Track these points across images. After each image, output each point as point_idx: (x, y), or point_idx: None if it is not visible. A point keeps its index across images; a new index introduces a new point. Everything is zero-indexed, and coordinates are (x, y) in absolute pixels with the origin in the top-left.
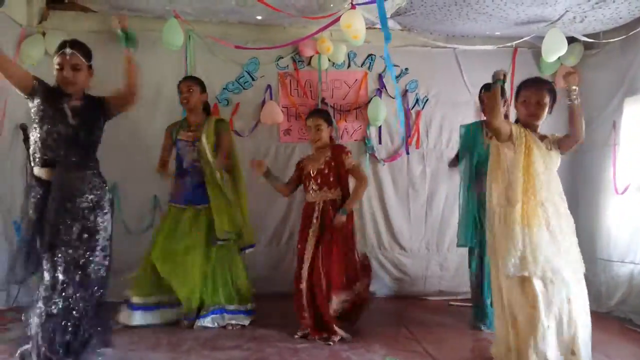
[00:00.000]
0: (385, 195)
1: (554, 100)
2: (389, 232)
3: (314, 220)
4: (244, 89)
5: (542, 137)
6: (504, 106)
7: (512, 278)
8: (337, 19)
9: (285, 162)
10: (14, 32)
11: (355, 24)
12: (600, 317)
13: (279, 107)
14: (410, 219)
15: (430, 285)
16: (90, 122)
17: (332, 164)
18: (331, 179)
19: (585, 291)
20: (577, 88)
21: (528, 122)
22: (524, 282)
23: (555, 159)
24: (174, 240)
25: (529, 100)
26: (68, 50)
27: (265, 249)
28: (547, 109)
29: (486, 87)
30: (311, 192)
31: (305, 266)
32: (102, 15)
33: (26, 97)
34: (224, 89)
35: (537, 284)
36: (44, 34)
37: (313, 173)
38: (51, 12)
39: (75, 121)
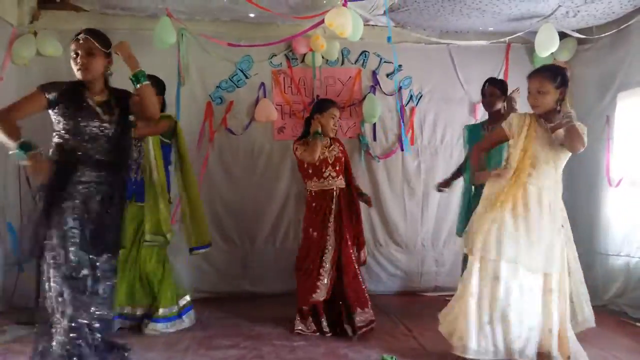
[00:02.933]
0: (380, 192)
1: (562, 84)
2: (384, 229)
3: (333, 207)
4: (237, 87)
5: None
6: (502, 101)
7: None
8: None
9: (280, 160)
10: (5, 32)
11: (338, 21)
12: (596, 310)
13: (273, 104)
14: (406, 215)
15: (426, 281)
16: (122, 119)
17: (345, 155)
18: (343, 168)
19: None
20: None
21: (538, 112)
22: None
23: (562, 156)
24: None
25: (530, 90)
26: (82, 36)
27: (261, 249)
28: (550, 96)
29: (490, 81)
30: (328, 178)
31: (329, 253)
32: (94, 15)
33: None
34: (217, 87)
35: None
36: (35, 33)
37: (331, 160)
38: (42, 12)
39: (107, 118)
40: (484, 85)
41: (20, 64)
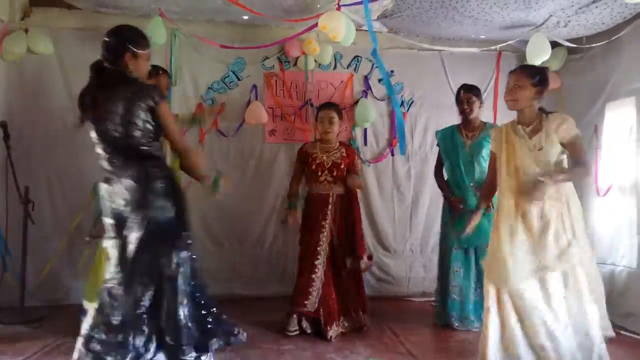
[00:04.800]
0: (370, 197)
1: (540, 83)
2: (373, 233)
3: (328, 212)
4: (229, 88)
5: (536, 131)
6: (480, 107)
7: None
8: None
9: (271, 162)
10: None
11: (331, 25)
12: None
13: (265, 107)
14: (395, 220)
15: (414, 287)
16: None
17: (347, 161)
18: (343, 175)
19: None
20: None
21: (513, 110)
22: None
23: (554, 151)
24: None
25: (508, 85)
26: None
27: (250, 252)
28: (527, 92)
29: (464, 88)
30: (324, 183)
31: (322, 258)
32: (86, 13)
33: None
34: (209, 88)
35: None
36: (26, 30)
37: (327, 164)
38: (34, 9)
39: None
40: (458, 92)
41: (11, 61)
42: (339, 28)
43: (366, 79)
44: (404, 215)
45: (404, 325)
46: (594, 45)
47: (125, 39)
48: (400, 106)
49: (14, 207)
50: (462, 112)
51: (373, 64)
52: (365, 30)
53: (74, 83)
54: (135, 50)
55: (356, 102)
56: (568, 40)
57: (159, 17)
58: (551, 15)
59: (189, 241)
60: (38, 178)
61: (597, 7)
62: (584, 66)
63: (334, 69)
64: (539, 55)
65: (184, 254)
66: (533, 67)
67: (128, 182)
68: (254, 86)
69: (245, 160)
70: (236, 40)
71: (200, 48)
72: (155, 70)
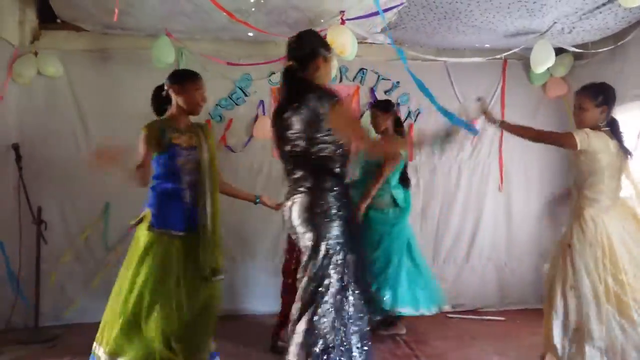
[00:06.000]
0: None
1: (603, 102)
2: None
3: None
4: (236, 104)
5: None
6: (388, 120)
7: None
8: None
9: (279, 176)
10: (6, 52)
11: (339, 40)
12: None
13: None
14: None
15: None
16: None
17: None
18: None
19: None
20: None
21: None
22: None
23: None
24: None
25: (574, 105)
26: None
27: (263, 267)
28: (590, 113)
29: (370, 105)
30: None
31: None
32: (94, 35)
33: None
34: (216, 105)
35: None
36: (36, 53)
37: None
38: (43, 32)
39: None
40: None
41: (21, 84)
42: (346, 43)
43: (372, 90)
44: (414, 226)
45: (418, 337)
46: (599, 50)
47: (317, 44)
48: (407, 117)
49: (27, 227)
50: (373, 126)
51: (379, 76)
52: (370, 43)
53: (84, 104)
54: (327, 54)
55: (362, 114)
56: (573, 46)
57: (165, 37)
58: (555, 22)
59: None
60: (50, 198)
61: (600, 12)
62: (591, 71)
63: (339, 82)
64: (543, 62)
65: None
66: (595, 86)
67: None
68: (261, 102)
69: (254, 175)
70: (242, 57)
71: (207, 65)
72: (196, 75)
